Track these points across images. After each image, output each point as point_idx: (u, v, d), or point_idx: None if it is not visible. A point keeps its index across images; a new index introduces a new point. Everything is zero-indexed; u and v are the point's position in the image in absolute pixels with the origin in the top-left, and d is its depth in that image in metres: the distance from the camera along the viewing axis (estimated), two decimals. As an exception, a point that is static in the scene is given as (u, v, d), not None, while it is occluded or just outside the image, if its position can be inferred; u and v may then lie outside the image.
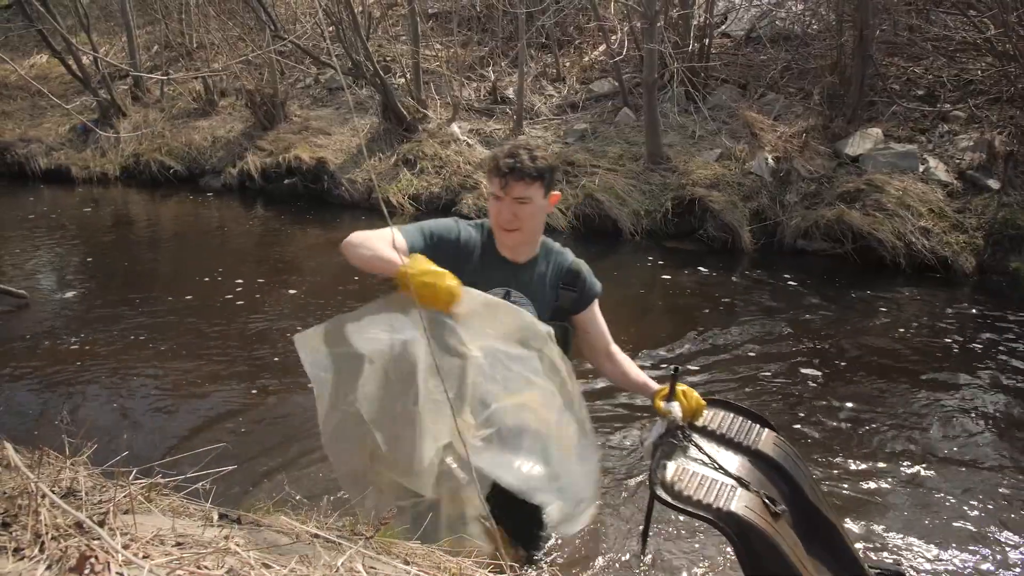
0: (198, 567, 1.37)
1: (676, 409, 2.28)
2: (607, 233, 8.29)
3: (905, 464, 3.95)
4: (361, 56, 10.10)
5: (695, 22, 9.80)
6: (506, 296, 2.35)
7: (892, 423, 4.38)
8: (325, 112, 11.53)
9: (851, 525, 3.40)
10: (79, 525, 1.50)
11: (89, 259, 7.93)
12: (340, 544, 1.62)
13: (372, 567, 1.55)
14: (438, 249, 2.27)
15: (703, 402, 2.36)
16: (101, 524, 1.50)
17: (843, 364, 5.22)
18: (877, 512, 3.53)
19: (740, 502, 2.05)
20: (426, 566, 1.80)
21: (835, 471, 3.89)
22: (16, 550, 1.41)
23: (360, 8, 10.28)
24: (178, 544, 1.62)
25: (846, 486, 3.75)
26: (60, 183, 11.46)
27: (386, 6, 13.30)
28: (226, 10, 12.84)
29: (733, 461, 2.25)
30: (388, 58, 11.93)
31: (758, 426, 2.38)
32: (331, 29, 10.93)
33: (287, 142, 10.76)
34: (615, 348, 2.59)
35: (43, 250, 8.15)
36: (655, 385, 2.48)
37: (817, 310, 6.25)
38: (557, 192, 2.42)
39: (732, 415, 2.43)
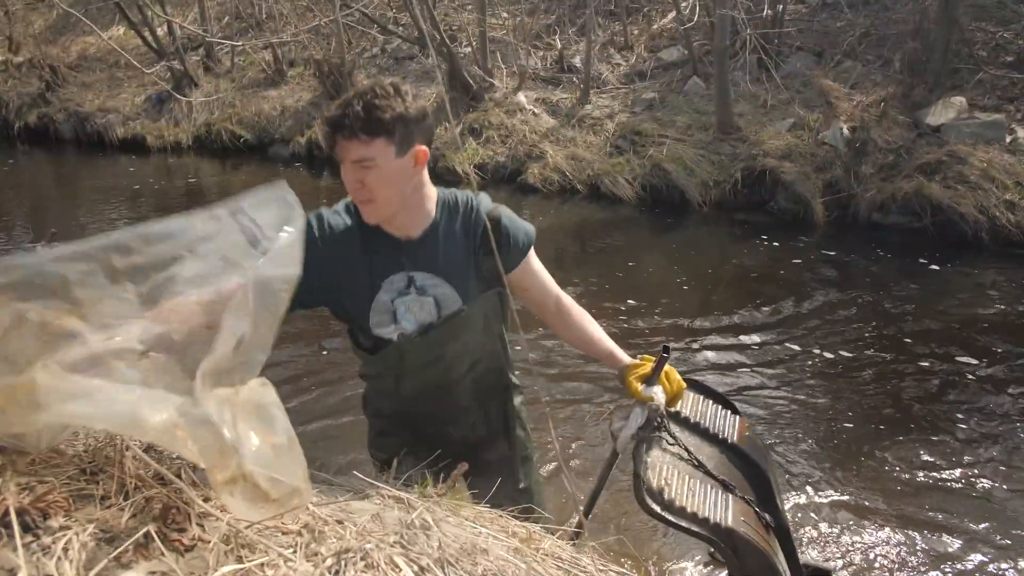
0: (274, 522, 1.40)
1: (660, 395, 1.98)
2: (674, 204, 8.17)
3: (985, 460, 3.81)
4: (428, 25, 10.09)
5: (769, -13, 9.51)
6: (409, 284, 1.94)
7: (972, 412, 4.23)
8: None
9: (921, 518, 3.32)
10: (160, 477, 1.54)
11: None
12: (410, 502, 1.64)
13: (442, 523, 1.57)
14: (308, 272, 1.59)
15: (684, 385, 2.04)
16: (179, 477, 1.54)
17: (919, 345, 5.06)
18: (958, 509, 3.44)
19: (735, 515, 1.87)
20: (495, 529, 1.81)
21: (905, 462, 3.80)
22: (103, 498, 1.46)
23: (427, -24, 10.25)
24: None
25: (920, 476, 3.65)
26: (136, 152, 11.79)
27: (452, -25, 13.23)
28: (295, -20, 12.96)
29: (712, 457, 2.06)
30: (454, 27, 11.89)
31: (728, 412, 2.20)
32: (398, -2, 10.94)
33: (354, 112, 10.82)
34: (567, 302, 2.12)
35: (121, 216, 8.41)
36: (624, 357, 2.08)
37: (892, 287, 6.06)
38: (423, 147, 1.83)
39: (703, 398, 2.21)
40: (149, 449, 2.06)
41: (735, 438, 2.13)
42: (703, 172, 8.22)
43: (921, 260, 6.59)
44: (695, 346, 5.05)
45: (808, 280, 6.25)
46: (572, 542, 2.01)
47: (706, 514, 1.83)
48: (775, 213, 7.77)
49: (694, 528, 1.83)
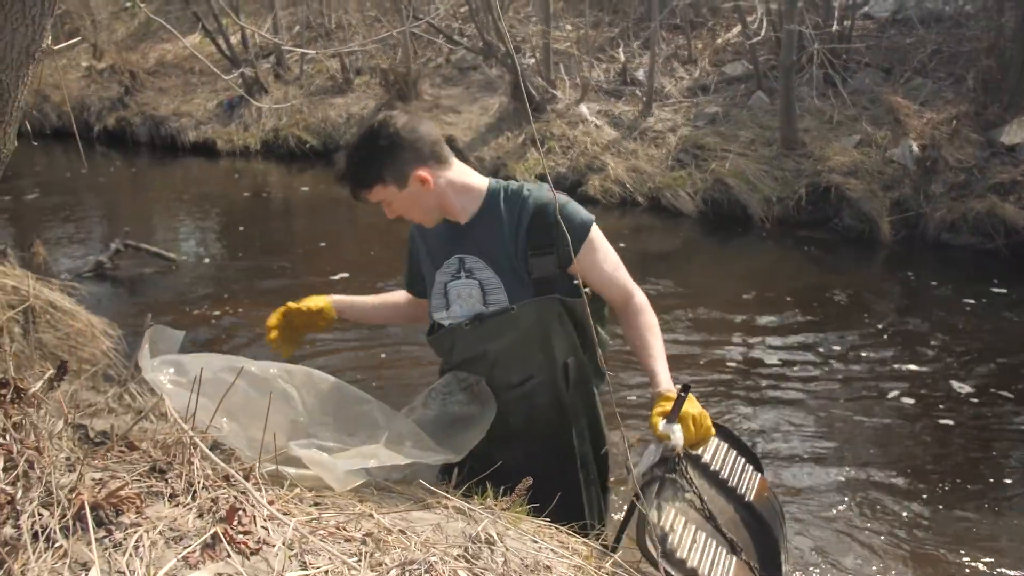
0: (337, 528, 1.44)
1: (677, 434, 1.85)
2: (736, 219, 8.08)
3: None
4: (493, 36, 10.19)
5: (837, 2, 9.35)
6: (460, 266, 2.00)
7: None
8: (455, 91, 11.70)
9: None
10: (227, 477, 1.59)
11: (229, 227, 8.38)
12: (473, 514, 1.66)
13: (504, 538, 1.58)
14: (414, 262, 2.21)
15: (712, 433, 1.92)
16: (247, 478, 1.59)
17: (992, 376, 4.84)
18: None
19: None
20: (554, 544, 1.81)
21: (980, 510, 3.54)
22: (171, 496, 1.52)
23: (493, -12, 10.37)
24: (316, 504, 1.69)
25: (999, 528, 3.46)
26: (206, 155, 12.13)
27: (518, -14, 13.33)
28: (364, -9, 13.23)
29: (724, 511, 1.93)
30: (519, 39, 11.97)
31: (751, 468, 2.07)
32: (464, 9, 11.06)
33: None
34: (636, 303, 2.03)
35: (190, 217, 8.67)
36: (662, 383, 1.95)
37: (961, 310, 5.88)
38: (420, 171, 1.90)
39: (727, 447, 2.08)
40: (216, 448, 2.13)
41: (752, 496, 2.02)
42: (766, 187, 8.11)
43: (993, 282, 6.38)
44: (754, 366, 4.98)
45: (873, 300, 6.11)
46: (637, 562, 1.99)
47: (704, 572, 1.73)
48: (839, 231, 7.62)
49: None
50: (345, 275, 6.37)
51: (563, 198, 1.95)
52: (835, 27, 8.90)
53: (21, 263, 4.06)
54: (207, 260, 7.01)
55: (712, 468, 2.00)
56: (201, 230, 8.22)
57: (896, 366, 4.92)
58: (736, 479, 2.03)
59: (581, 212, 1.98)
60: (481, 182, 2.01)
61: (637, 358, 2.04)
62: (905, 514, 3.50)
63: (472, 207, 1.98)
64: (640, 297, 2.04)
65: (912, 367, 4.93)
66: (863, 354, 5.09)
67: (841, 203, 7.66)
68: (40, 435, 1.33)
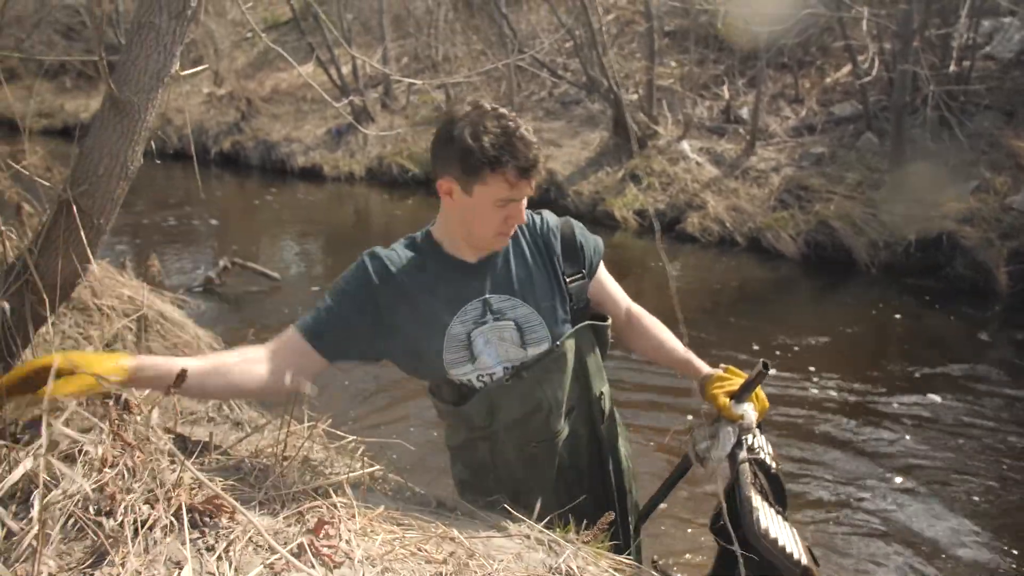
0: (419, 548, 1.45)
1: (750, 414, 1.80)
2: (839, 264, 7.82)
3: None
4: (596, 71, 10.25)
5: (956, 42, 9.01)
6: (485, 309, 1.78)
7: None
8: (557, 124, 11.80)
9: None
10: (316, 490, 1.63)
11: (331, 250, 8.64)
12: (554, 546, 1.64)
13: (584, 573, 1.56)
14: (350, 322, 1.74)
15: (767, 405, 1.87)
16: (336, 492, 1.62)
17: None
18: None
19: (806, 555, 1.69)
20: (634, 583, 1.78)
21: None
22: (262, 503, 1.56)
23: (598, 25, 10.43)
24: (399, 524, 1.71)
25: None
26: (313, 180, 12.58)
27: (624, 23, 13.40)
28: (472, 26, 13.54)
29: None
30: (622, 74, 12.01)
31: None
32: (569, 45, 11.18)
33: (518, 152, 11.11)
34: (637, 311, 1.98)
35: (295, 238, 8.99)
36: (704, 366, 1.90)
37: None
38: (444, 180, 1.70)
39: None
40: (306, 461, 2.18)
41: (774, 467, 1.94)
42: (873, 231, 7.83)
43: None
44: (847, 421, 4.77)
45: (982, 359, 5.76)
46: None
47: (791, 549, 1.66)
48: (950, 280, 7.26)
49: (782, 562, 1.65)
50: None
51: (576, 222, 1.91)
52: (953, 67, 8.57)
53: (137, 275, 4.28)
54: (308, 281, 7.24)
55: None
56: (304, 252, 8.52)
57: (1000, 444, 4.60)
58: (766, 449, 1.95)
59: (593, 235, 1.93)
60: None
61: (659, 355, 1.98)
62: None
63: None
64: (636, 305, 2.01)
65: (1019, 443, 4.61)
66: (955, 424, 4.76)
67: (954, 251, 7.31)
68: (143, 441, 1.39)
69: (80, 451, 1.32)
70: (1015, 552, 3.51)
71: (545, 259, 1.84)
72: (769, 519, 1.71)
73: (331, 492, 1.59)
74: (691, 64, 11.72)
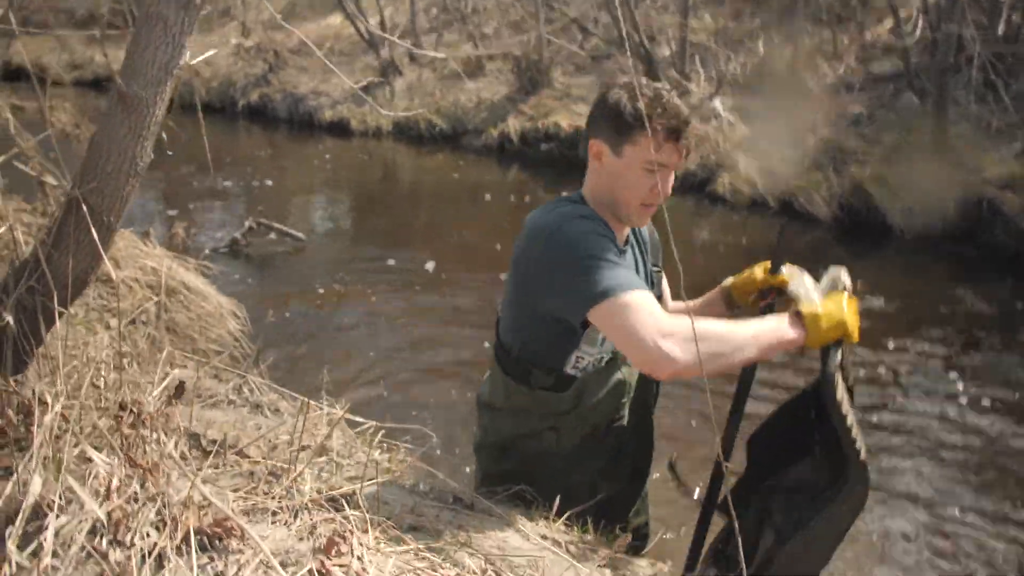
0: (434, 568, 1.43)
1: (797, 271, 1.83)
2: (874, 229, 7.63)
3: None
4: (628, 26, 10.00)
5: (1006, 0, 8.64)
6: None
7: None
8: (587, 80, 11.57)
9: None
10: (332, 500, 1.61)
11: (357, 209, 8.62)
12: (572, 557, 1.62)
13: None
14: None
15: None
16: (349, 503, 1.59)
17: None
18: None
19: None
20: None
21: None
22: (275, 513, 1.54)
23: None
24: (413, 528, 1.69)
25: None
26: (340, 134, 12.50)
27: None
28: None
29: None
30: (655, 28, 11.71)
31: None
32: (600, -3, 10.92)
33: (548, 108, 10.95)
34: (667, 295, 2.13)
35: (321, 196, 8.97)
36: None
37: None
38: (595, 141, 1.78)
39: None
40: (324, 451, 2.17)
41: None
42: (909, 197, 7.62)
43: None
44: (874, 392, 4.68)
45: (1021, 330, 5.63)
46: None
47: (857, 439, 1.65)
48: (990, 248, 7.06)
49: (847, 443, 1.65)
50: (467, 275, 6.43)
51: None
52: (1002, 28, 8.23)
53: (162, 243, 4.27)
54: (333, 241, 7.23)
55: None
56: (330, 210, 8.50)
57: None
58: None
59: None
60: None
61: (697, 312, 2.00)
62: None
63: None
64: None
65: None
66: (1004, 395, 4.67)
67: (994, 218, 7.10)
68: (153, 457, 1.37)
69: (90, 473, 1.30)
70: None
71: (643, 249, 1.94)
72: (846, 400, 1.68)
73: (344, 503, 1.58)
74: (726, 18, 11.40)
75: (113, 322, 3.16)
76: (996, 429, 4.29)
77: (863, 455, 1.65)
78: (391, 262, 6.49)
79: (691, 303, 2.04)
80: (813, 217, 7.94)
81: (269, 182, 9.57)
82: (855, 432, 1.64)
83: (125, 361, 1.89)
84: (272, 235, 6.78)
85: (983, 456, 4.05)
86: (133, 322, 3.49)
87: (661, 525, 2.96)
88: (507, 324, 1.87)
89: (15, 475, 1.31)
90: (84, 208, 1.67)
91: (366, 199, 8.99)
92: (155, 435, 1.41)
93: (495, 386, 1.93)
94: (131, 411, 1.37)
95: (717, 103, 9.83)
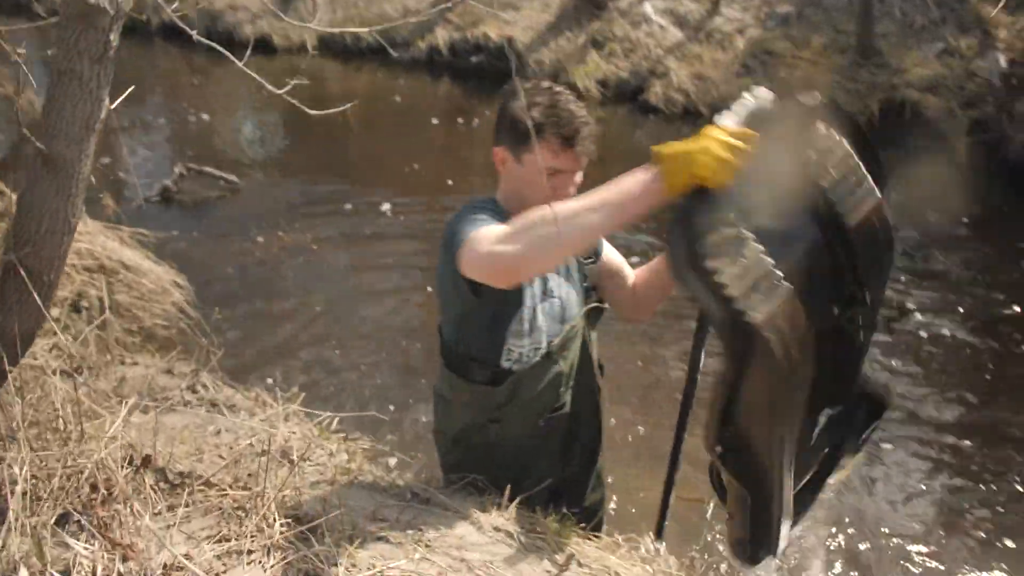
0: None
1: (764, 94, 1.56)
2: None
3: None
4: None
5: None
6: (544, 285, 1.90)
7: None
8: (514, -16, 11.26)
9: None
10: (303, 536, 1.69)
11: (291, 140, 8.39)
12: (523, 548, 1.77)
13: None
14: None
15: None
16: (319, 535, 1.69)
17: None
18: None
19: (775, 313, 1.36)
20: (597, 568, 1.91)
21: None
22: (249, 552, 1.64)
23: None
24: (378, 539, 1.79)
25: None
26: (263, 51, 11.98)
27: None
28: None
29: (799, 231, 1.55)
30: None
31: (868, 180, 1.56)
32: None
33: (475, 16, 10.66)
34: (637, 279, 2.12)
35: (250, 127, 8.69)
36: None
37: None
38: (498, 149, 1.85)
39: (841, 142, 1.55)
40: (285, 455, 2.25)
41: (854, 218, 1.56)
42: (837, 101, 7.74)
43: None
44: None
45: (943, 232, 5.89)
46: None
47: (734, 294, 1.33)
48: (911, 151, 7.26)
49: (709, 303, 1.38)
50: (405, 200, 6.40)
51: None
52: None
53: (92, 215, 4.14)
54: (269, 185, 7.04)
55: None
56: (263, 145, 8.24)
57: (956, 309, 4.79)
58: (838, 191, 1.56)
59: None
60: None
61: (656, 277, 2.06)
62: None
63: None
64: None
65: (970, 311, 4.80)
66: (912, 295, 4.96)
67: (915, 121, 7.29)
68: (129, 531, 1.44)
69: (73, 563, 1.37)
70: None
71: None
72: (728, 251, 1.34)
73: (312, 539, 1.67)
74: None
75: (55, 311, 3.14)
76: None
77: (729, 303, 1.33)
78: (347, 206, 6.35)
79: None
80: (745, 124, 8.02)
81: (204, 116, 9.18)
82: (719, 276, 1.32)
83: (81, 394, 1.91)
84: (204, 179, 6.61)
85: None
86: (77, 310, 3.46)
87: (624, 496, 3.16)
88: (444, 319, 1.96)
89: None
90: (22, 271, 1.67)
91: (300, 129, 8.73)
92: (127, 507, 1.47)
93: (442, 379, 2.02)
94: (102, 492, 1.43)
95: (647, 7, 9.70)
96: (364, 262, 5.41)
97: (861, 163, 1.55)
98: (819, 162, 1.53)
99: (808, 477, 1.74)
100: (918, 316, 4.79)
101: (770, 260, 1.37)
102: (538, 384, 1.92)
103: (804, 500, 1.71)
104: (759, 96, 1.55)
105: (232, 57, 2.11)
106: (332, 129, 8.82)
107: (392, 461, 2.69)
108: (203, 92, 10.65)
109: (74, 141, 1.64)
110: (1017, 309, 4.83)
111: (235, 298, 4.75)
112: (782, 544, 1.62)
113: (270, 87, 2.20)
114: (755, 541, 1.59)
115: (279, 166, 7.61)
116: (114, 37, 1.62)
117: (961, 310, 4.85)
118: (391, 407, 3.84)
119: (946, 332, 4.64)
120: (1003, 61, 7.30)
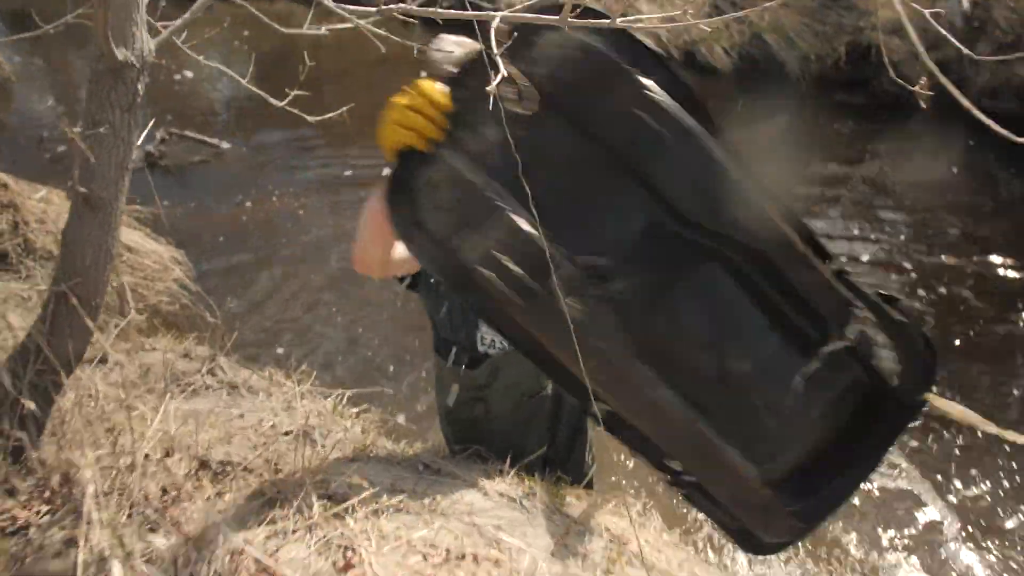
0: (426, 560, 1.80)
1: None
2: (772, 79, 7.89)
3: None
4: None
5: None
6: None
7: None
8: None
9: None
10: (339, 515, 1.94)
11: (267, 91, 8.30)
12: (524, 510, 2.04)
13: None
14: None
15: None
16: (351, 512, 1.93)
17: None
18: None
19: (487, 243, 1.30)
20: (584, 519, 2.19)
21: None
22: (293, 532, 1.89)
23: None
24: (398, 511, 2.03)
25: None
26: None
27: None
28: None
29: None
30: None
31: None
32: None
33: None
34: None
35: (225, 85, 8.58)
36: None
37: (996, 184, 5.94)
38: None
39: None
40: (306, 436, 2.49)
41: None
42: (805, 45, 7.88)
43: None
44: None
45: (902, 171, 6.14)
46: None
47: (456, 243, 1.29)
48: (877, 95, 7.46)
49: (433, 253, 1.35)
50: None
51: None
52: None
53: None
54: (253, 148, 6.98)
55: None
56: (241, 105, 8.14)
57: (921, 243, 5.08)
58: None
59: None
60: None
61: None
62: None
63: None
64: None
65: (933, 243, 5.10)
66: (879, 227, 5.28)
67: (880, 64, 7.44)
68: (198, 525, 1.70)
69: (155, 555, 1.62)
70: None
71: None
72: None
73: (346, 517, 1.91)
74: None
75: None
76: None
77: None
78: (347, 173, 6.34)
79: None
80: (715, 68, 8.15)
81: (169, 72, 9.08)
82: None
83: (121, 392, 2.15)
84: (187, 143, 6.66)
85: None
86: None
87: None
88: (426, 304, 2.15)
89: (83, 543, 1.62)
90: (73, 300, 1.88)
91: (279, 83, 8.58)
92: (192, 503, 1.72)
93: (434, 359, 2.23)
94: (171, 493, 1.68)
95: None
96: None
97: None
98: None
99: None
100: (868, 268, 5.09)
101: (489, 193, 1.31)
102: (516, 370, 2.07)
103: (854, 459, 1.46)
104: (444, 47, 1.54)
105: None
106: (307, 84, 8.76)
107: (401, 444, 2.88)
108: (172, 46, 10.45)
109: (111, 183, 1.83)
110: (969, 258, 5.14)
111: (232, 270, 4.87)
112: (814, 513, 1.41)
113: (272, 100, 2.37)
114: (749, 527, 1.46)
115: (260, 132, 7.55)
116: (141, 88, 1.79)
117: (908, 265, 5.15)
118: (391, 367, 4.04)
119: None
120: (966, 3, 7.43)
